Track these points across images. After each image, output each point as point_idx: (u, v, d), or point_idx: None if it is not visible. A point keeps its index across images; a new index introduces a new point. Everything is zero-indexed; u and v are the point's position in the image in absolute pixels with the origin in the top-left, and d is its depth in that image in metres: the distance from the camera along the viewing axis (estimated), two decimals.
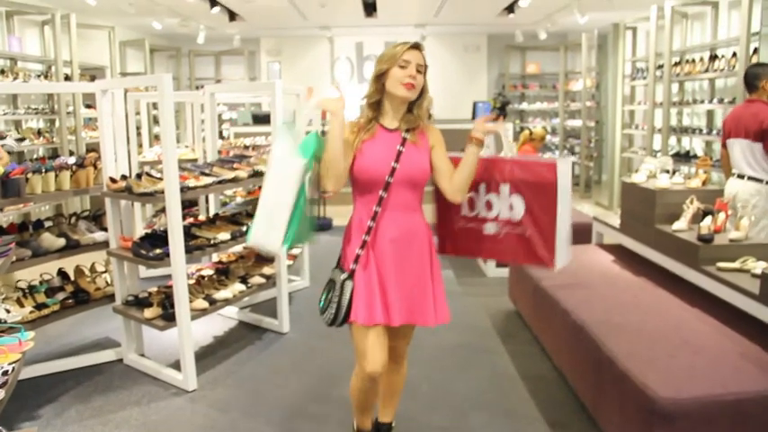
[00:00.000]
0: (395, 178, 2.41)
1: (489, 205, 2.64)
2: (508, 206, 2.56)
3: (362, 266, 2.44)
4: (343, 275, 2.44)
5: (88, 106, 8.44)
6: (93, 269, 4.17)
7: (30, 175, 3.52)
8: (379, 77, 2.44)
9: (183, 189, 3.65)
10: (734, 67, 6.56)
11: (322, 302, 2.48)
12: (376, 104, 2.50)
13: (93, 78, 8.68)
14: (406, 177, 2.43)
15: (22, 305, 3.65)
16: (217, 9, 9.01)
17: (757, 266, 3.18)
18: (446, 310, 2.58)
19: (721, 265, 3.34)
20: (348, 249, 2.49)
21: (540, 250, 2.48)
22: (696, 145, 7.98)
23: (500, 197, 2.60)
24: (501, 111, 11.11)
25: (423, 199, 2.56)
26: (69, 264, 4.01)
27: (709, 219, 3.67)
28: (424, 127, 2.53)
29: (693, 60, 7.64)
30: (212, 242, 3.93)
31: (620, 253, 4.55)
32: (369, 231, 2.43)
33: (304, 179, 2.35)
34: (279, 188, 2.35)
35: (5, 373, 2.14)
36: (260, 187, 5.35)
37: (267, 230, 2.34)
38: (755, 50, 6.06)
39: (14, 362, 2.24)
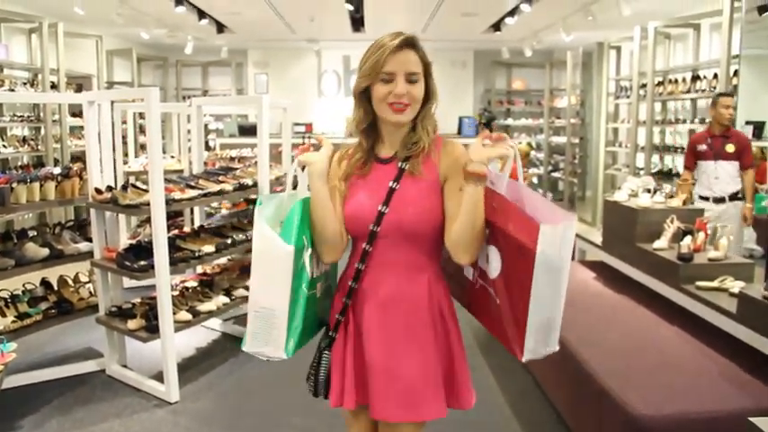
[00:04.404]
0: (382, 227, 1.78)
1: None
2: (485, 255, 1.81)
3: (342, 336, 1.89)
4: (323, 343, 1.92)
5: (74, 115, 8.40)
6: (76, 279, 4.16)
7: (15, 185, 3.51)
8: (363, 93, 1.82)
9: (169, 201, 3.66)
10: (715, 88, 6.67)
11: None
12: (369, 129, 1.87)
13: (79, 87, 8.67)
14: (398, 226, 1.77)
15: (4, 314, 3.64)
16: (205, 21, 9.03)
17: (735, 286, 3.24)
18: (469, 392, 1.97)
19: (700, 284, 3.39)
20: (332, 311, 1.94)
21: (509, 329, 1.77)
22: (678, 163, 8.07)
23: None
24: (486, 126, 11.21)
25: (438, 253, 1.88)
26: (53, 274, 4.00)
27: (689, 238, 3.73)
28: (432, 149, 1.83)
29: (676, 80, 7.77)
30: (197, 254, 3.93)
31: (601, 270, 4.60)
32: (350, 293, 1.87)
33: (300, 266, 1.78)
34: (268, 291, 1.77)
35: None
36: (245, 200, 5.41)
37: (265, 338, 1.79)
38: (736, 72, 6.17)
39: None
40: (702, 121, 7.14)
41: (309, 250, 1.80)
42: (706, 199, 5.26)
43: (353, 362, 1.85)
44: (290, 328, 1.76)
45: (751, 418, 1.76)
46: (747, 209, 5.10)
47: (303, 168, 1.84)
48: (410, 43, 1.76)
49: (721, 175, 5.22)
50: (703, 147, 5.32)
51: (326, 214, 1.80)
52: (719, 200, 5.21)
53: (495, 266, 1.76)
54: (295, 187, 1.88)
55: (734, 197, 5.21)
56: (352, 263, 1.87)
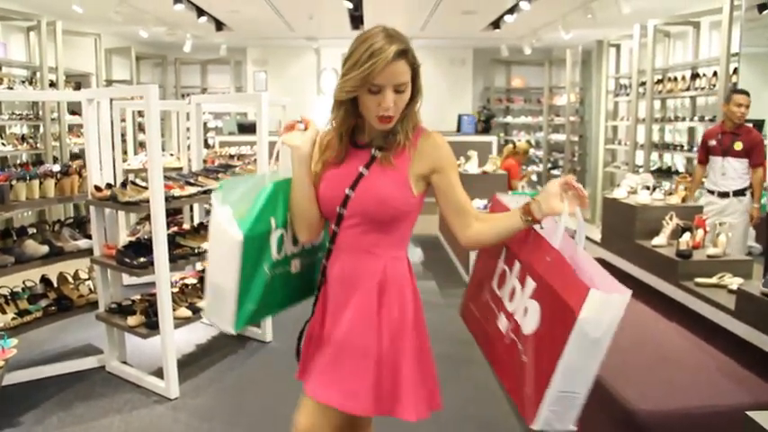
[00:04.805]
0: (348, 210, 1.81)
1: (512, 294, 1.82)
2: (523, 309, 1.72)
3: (319, 310, 1.94)
4: (310, 314, 1.99)
5: (73, 113, 8.41)
6: (76, 276, 4.16)
7: (14, 182, 3.52)
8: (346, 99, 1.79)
9: (168, 198, 3.67)
10: (714, 86, 6.68)
11: None
12: (350, 118, 1.85)
13: (78, 85, 8.67)
14: (360, 211, 1.80)
15: (4, 312, 3.64)
16: (204, 19, 9.03)
17: (733, 282, 3.25)
18: (421, 401, 1.86)
19: (699, 280, 3.41)
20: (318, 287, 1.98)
21: (528, 390, 1.67)
22: (677, 161, 8.10)
23: (523, 291, 1.76)
24: (485, 124, 11.24)
25: (403, 240, 1.90)
26: (53, 271, 4.01)
27: (687, 235, 3.74)
28: (409, 144, 1.81)
29: (675, 78, 7.78)
30: (196, 251, 3.94)
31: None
32: (323, 272, 1.92)
33: (259, 248, 1.83)
34: (219, 270, 1.85)
35: None
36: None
37: (217, 310, 1.87)
38: (735, 70, 6.18)
39: None
40: (702, 119, 7.15)
41: (279, 231, 1.88)
42: (711, 192, 5.29)
43: (317, 339, 1.91)
44: (240, 307, 1.82)
45: (748, 412, 1.77)
46: (755, 209, 5.10)
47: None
48: (402, 53, 1.71)
49: (728, 172, 5.20)
50: (713, 142, 5.34)
51: (304, 199, 1.86)
52: (723, 194, 5.20)
53: (532, 323, 1.68)
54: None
55: (738, 193, 5.21)
56: (329, 243, 1.91)
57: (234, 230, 1.76)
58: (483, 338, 1.95)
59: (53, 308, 3.81)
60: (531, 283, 1.71)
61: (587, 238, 4.87)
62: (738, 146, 5.16)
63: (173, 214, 5.72)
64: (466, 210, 1.85)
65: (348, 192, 1.80)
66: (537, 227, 1.73)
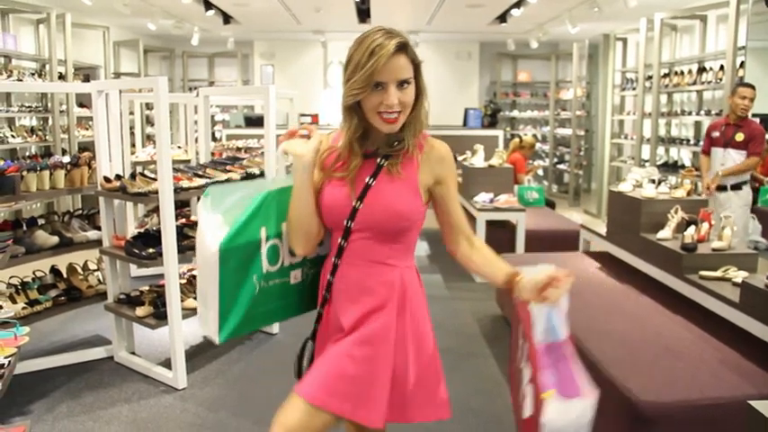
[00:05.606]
0: (356, 223, 1.74)
1: (521, 372, 1.81)
2: (525, 390, 1.74)
3: (323, 328, 1.87)
4: (311, 331, 1.91)
5: (81, 105, 8.46)
6: (85, 267, 4.20)
7: (25, 173, 3.56)
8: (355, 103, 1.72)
9: (177, 190, 3.70)
10: (721, 79, 6.68)
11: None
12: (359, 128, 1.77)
13: (87, 77, 8.72)
14: (370, 223, 1.74)
15: (14, 301, 3.69)
16: (211, 12, 9.07)
17: (738, 275, 3.26)
18: (427, 405, 1.82)
19: (704, 273, 3.42)
20: (318, 302, 1.91)
21: None
22: (684, 155, 8.09)
23: (524, 373, 1.76)
24: (492, 118, 11.24)
25: (412, 248, 1.86)
26: (62, 261, 4.05)
27: (692, 228, 3.75)
28: (416, 150, 1.77)
29: (682, 72, 7.77)
30: None
31: (606, 260, 4.62)
32: (329, 287, 1.83)
33: (243, 260, 1.76)
34: (202, 275, 1.80)
35: (2, 366, 2.18)
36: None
37: (204, 318, 1.80)
38: (742, 64, 6.18)
39: (10, 356, 2.28)
40: (708, 113, 7.15)
41: (272, 242, 1.80)
42: None
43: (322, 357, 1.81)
44: (224, 318, 1.74)
45: (750, 402, 1.79)
46: (717, 177, 5.29)
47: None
48: (402, 47, 1.67)
49: (728, 163, 5.28)
50: (716, 133, 5.46)
51: (305, 210, 1.78)
52: (721, 188, 5.26)
53: (527, 408, 1.69)
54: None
55: (736, 187, 5.25)
56: (330, 256, 1.84)
57: (210, 241, 1.70)
58: (515, 401, 1.88)
59: (62, 298, 3.86)
60: (528, 367, 1.70)
61: (593, 232, 4.92)
62: (740, 137, 5.23)
63: (180, 206, 5.75)
64: (459, 227, 1.85)
65: (356, 203, 1.73)
66: (532, 304, 1.64)
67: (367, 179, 1.74)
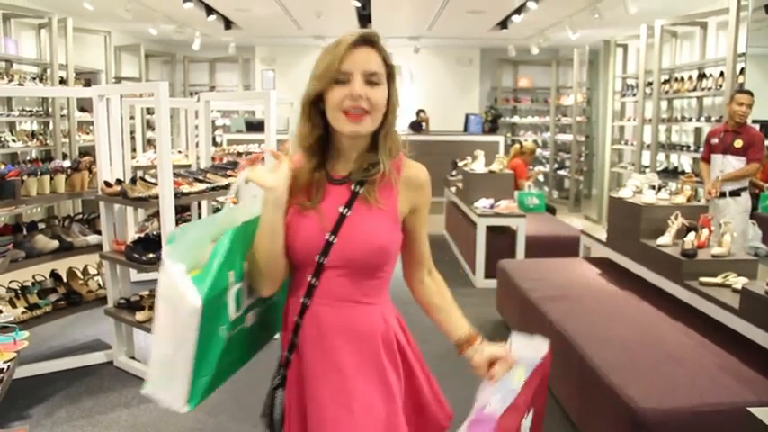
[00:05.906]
0: (330, 259, 1.52)
1: None
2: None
3: (293, 375, 1.65)
4: (276, 380, 1.70)
5: (82, 110, 8.48)
6: (85, 272, 4.20)
7: (25, 178, 3.56)
8: (315, 102, 1.53)
9: (177, 195, 3.69)
10: (721, 86, 6.68)
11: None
12: (317, 145, 1.57)
13: (88, 82, 8.74)
14: (348, 260, 1.52)
15: (14, 306, 3.69)
16: (213, 17, 9.09)
17: (738, 282, 3.26)
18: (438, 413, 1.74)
19: (704, 279, 3.42)
20: (282, 345, 1.68)
21: None
22: (684, 161, 8.10)
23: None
24: (492, 124, 11.26)
25: (389, 281, 1.63)
26: (62, 266, 4.05)
27: (692, 234, 3.75)
28: (393, 173, 1.56)
29: (682, 79, 7.78)
30: None
31: (606, 266, 4.62)
32: (296, 330, 1.59)
33: (215, 311, 1.47)
34: (171, 340, 1.45)
35: (1, 370, 2.18)
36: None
37: (165, 386, 1.48)
38: (742, 71, 6.18)
39: (9, 360, 2.28)
40: (708, 120, 7.17)
41: (238, 285, 1.53)
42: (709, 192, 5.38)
43: (298, 408, 1.64)
44: (195, 382, 1.48)
45: (750, 408, 1.79)
46: (718, 182, 5.28)
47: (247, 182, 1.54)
48: (370, 40, 1.49)
49: (726, 170, 5.30)
50: (716, 140, 5.48)
51: (276, 249, 1.53)
52: (720, 194, 5.27)
53: None
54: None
55: (734, 194, 5.27)
56: (296, 295, 1.59)
57: (192, 295, 1.40)
58: None
59: (62, 302, 3.86)
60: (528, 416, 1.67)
61: (594, 237, 4.92)
62: (738, 143, 5.25)
63: (181, 211, 5.76)
64: (422, 261, 1.70)
65: (329, 237, 1.51)
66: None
67: (340, 209, 1.52)
